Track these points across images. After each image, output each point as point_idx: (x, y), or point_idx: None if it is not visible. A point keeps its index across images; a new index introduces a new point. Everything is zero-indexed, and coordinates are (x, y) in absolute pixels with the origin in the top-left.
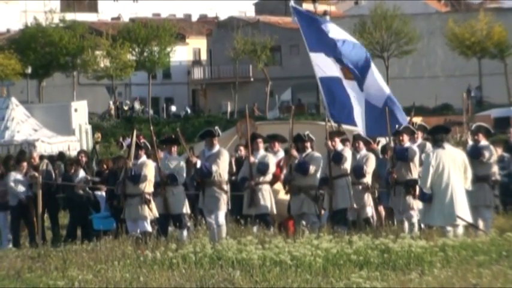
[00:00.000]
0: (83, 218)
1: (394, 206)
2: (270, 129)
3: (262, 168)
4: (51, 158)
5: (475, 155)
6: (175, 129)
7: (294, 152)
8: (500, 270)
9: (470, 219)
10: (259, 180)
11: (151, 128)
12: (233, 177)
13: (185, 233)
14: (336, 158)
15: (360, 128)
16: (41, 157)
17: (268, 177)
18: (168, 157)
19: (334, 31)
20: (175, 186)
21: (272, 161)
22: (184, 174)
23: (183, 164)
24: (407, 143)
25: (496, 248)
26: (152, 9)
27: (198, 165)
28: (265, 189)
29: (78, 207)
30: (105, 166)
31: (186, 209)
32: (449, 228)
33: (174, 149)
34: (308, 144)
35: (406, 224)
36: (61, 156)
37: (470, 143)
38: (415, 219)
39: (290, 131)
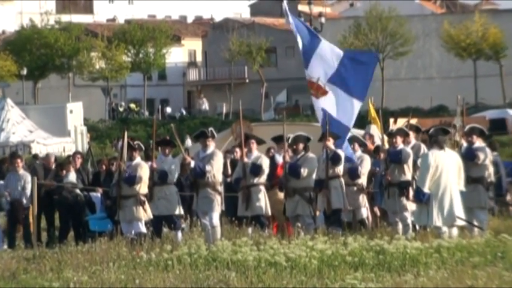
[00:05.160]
0: (74, 219)
1: (388, 207)
2: (265, 131)
3: (255, 169)
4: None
5: (469, 156)
6: (170, 131)
7: (287, 157)
8: (496, 272)
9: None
10: (252, 181)
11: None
12: (228, 179)
13: (180, 234)
14: (335, 158)
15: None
16: (35, 156)
17: (263, 178)
18: (163, 158)
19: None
20: (168, 187)
21: (266, 162)
22: (177, 174)
23: (176, 163)
24: (400, 145)
25: (491, 250)
26: (148, 11)
27: (192, 165)
28: (260, 190)
29: (66, 209)
30: (104, 167)
31: (180, 210)
32: (444, 230)
33: (169, 150)
34: (300, 146)
35: (400, 226)
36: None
37: (465, 144)
38: (409, 221)
39: (284, 134)
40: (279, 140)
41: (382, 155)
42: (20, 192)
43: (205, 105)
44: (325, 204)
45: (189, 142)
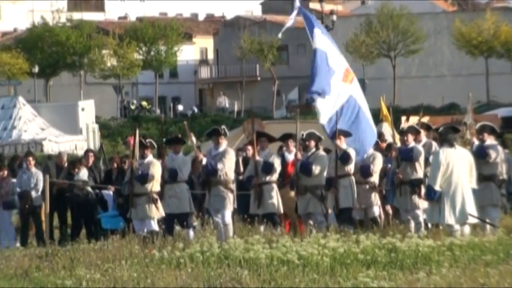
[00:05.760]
0: (86, 217)
1: (400, 205)
2: (277, 128)
3: (267, 167)
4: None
5: (481, 154)
6: (182, 128)
7: (299, 154)
8: (508, 270)
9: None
10: (264, 179)
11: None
12: (240, 177)
13: (191, 232)
14: (344, 157)
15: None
16: (49, 157)
17: (275, 176)
18: (173, 156)
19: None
20: (178, 185)
21: (277, 160)
22: (187, 171)
23: (187, 161)
24: (412, 143)
25: (504, 248)
26: (159, 9)
27: (204, 162)
28: (272, 188)
29: (78, 207)
30: (115, 165)
31: (191, 208)
32: (456, 228)
33: (179, 148)
34: (312, 144)
35: (413, 224)
36: (49, 157)
37: (476, 142)
38: (421, 219)
39: (296, 132)
40: (285, 138)
41: (393, 153)
42: (30, 189)
43: (226, 103)
44: (334, 202)
45: (193, 141)
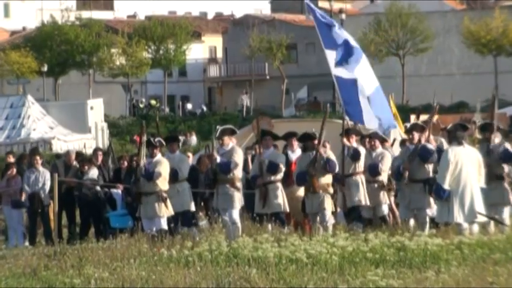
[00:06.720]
0: (94, 216)
1: (410, 204)
2: (286, 127)
3: (272, 167)
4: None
5: (507, 158)
6: (191, 127)
7: (322, 152)
8: None
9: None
10: (269, 179)
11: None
12: (248, 175)
13: (195, 230)
14: (354, 155)
15: (372, 127)
16: (58, 155)
17: (280, 175)
18: (170, 156)
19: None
20: (180, 184)
21: (282, 159)
22: (187, 169)
23: (184, 159)
24: (420, 141)
25: None
26: (168, 7)
27: (218, 160)
28: (277, 187)
29: (87, 206)
30: (125, 163)
31: (193, 206)
32: (465, 226)
33: (176, 147)
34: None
35: (412, 222)
36: (58, 156)
37: (497, 140)
38: (427, 219)
39: (321, 130)
40: (288, 137)
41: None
42: (39, 189)
43: (247, 101)
44: (343, 201)
45: (194, 139)
